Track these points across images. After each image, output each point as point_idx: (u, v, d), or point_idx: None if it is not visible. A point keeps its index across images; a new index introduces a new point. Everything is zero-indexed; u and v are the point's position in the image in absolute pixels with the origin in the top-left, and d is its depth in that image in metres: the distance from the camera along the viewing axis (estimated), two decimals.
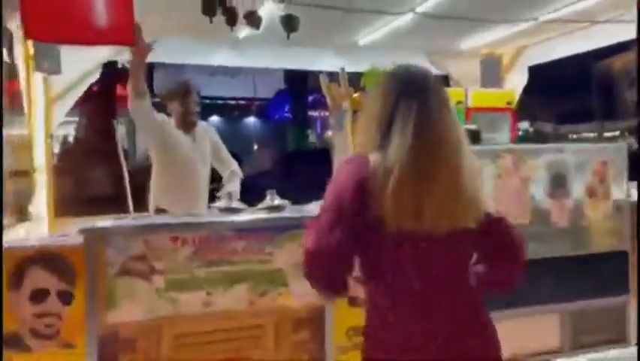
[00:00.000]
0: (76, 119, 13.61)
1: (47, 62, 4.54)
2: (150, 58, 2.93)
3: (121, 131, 27.19)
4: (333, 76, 3.46)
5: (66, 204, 5.19)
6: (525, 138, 16.46)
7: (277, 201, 3.03)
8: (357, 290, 2.84)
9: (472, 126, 3.75)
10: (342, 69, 3.34)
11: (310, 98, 18.92)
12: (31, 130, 4.69)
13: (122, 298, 2.47)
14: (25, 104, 4.60)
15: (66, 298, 2.42)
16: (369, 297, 1.52)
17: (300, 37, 3.92)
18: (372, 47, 5.88)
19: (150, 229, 2.52)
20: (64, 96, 4.88)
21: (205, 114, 5.76)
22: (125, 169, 4.04)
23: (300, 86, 18.27)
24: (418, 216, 1.37)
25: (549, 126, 21.06)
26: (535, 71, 6.42)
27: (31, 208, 4.35)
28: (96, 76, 5.03)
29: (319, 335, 2.82)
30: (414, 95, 1.42)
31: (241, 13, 3.16)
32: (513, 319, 3.25)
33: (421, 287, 1.44)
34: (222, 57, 6.04)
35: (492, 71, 6.39)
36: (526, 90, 6.53)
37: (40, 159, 4.73)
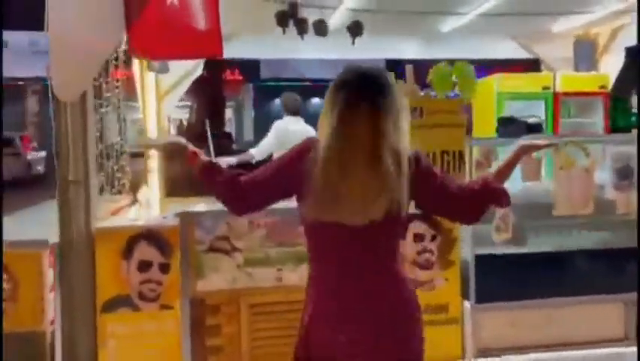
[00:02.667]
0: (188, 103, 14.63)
1: (158, 63, 5.19)
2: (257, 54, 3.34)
3: (229, 115, 28.68)
4: (420, 64, 3.57)
5: (177, 186, 5.86)
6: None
7: None
8: (416, 273, 3.12)
9: (532, 119, 3.80)
10: (410, 66, 3.57)
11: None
12: (145, 120, 5.41)
13: (209, 270, 2.96)
14: (139, 97, 5.31)
15: (165, 268, 2.95)
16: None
17: (385, 26, 4.14)
18: (458, 34, 5.96)
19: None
20: (171, 92, 5.52)
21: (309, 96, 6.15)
22: (212, 153, 4.55)
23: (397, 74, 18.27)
24: (337, 203, 1.51)
25: None
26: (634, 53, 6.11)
27: (144, 189, 5.03)
28: (198, 72, 5.61)
29: None
30: (356, 93, 1.56)
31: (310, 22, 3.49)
32: (578, 306, 3.38)
33: (339, 269, 1.61)
34: (314, 50, 6.42)
35: (586, 54, 6.20)
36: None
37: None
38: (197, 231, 2.94)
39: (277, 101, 25.01)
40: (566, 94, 5.84)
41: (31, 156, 15.96)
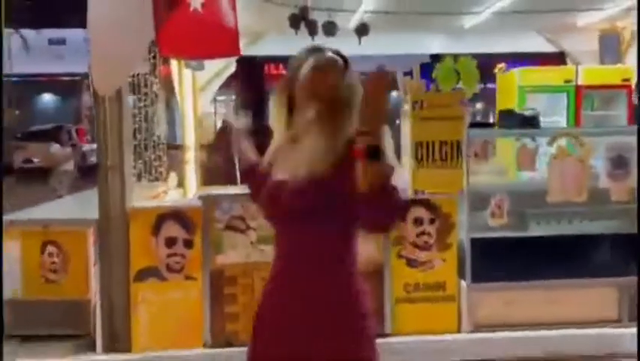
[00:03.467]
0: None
1: (194, 61, 5.62)
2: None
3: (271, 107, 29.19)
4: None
5: (211, 175, 6.29)
6: None
7: None
8: (415, 253, 3.42)
9: (528, 112, 4.00)
10: (417, 67, 3.83)
11: None
12: (182, 114, 5.88)
13: (227, 246, 3.35)
14: (177, 93, 5.77)
15: (189, 244, 3.36)
16: None
17: (407, 22, 4.39)
18: (479, 29, 6.12)
19: (245, 196, 3.34)
20: (207, 87, 5.97)
21: None
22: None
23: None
24: (282, 193, 1.51)
25: None
26: None
27: (175, 177, 5.48)
28: (232, 69, 6.03)
29: (379, 287, 3.46)
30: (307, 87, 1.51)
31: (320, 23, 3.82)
32: (571, 289, 3.59)
33: (291, 258, 1.60)
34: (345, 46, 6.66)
35: (611, 47, 6.24)
36: None
37: (190, 138, 5.90)
38: (216, 211, 3.34)
39: None
40: (589, 87, 5.92)
41: (85, 147, 16.95)
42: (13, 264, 3.92)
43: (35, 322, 3.84)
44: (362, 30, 4.00)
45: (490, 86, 6.92)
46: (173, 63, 5.59)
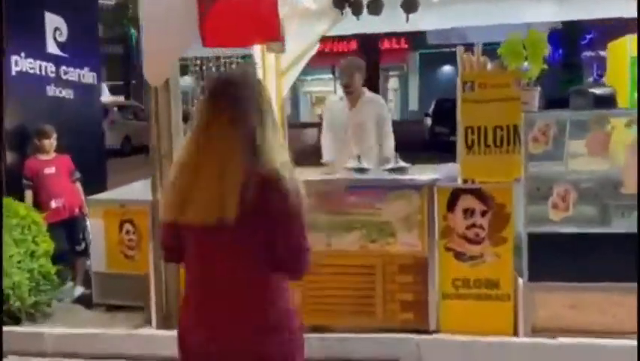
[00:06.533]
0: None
1: (274, 44, 5.68)
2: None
3: (392, 85, 28.71)
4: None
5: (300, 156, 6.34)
6: None
7: (401, 163, 3.51)
8: (465, 247, 3.20)
9: (602, 90, 3.44)
10: (478, 43, 3.50)
11: (587, 38, 17.02)
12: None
13: None
14: (261, 76, 5.88)
15: None
16: None
17: None
18: None
19: None
20: (289, 70, 5.99)
21: None
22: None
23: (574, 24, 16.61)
24: (186, 209, 1.51)
25: None
26: None
27: None
28: (314, 50, 5.97)
29: (423, 280, 3.28)
30: (215, 99, 1.56)
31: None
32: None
33: (203, 279, 1.57)
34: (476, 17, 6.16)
35: None
36: None
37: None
38: None
39: (445, 68, 24.42)
40: None
41: None
42: (99, 240, 4.34)
43: (117, 293, 4.22)
44: (409, 6, 3.73)
45: None
46: (256, 47, 5.69)
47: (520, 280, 3.23)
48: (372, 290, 3.31)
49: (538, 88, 3.43)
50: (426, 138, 16.43)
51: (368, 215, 3.28)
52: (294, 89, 25.86)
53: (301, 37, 5.80)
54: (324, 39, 5.66)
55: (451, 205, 3.25)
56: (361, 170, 3.54)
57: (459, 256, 3.27)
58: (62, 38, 5.30)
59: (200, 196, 1.50)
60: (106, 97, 16.52)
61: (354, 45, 21.63)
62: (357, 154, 3.61)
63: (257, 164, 1.50)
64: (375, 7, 3.75)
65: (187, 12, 3.20)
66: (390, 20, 5.70)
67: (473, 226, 3.23)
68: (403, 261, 3.28)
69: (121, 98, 21.90)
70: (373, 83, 14.43)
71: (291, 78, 6.14)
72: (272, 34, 3.35)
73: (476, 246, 3.24)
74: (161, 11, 3.27)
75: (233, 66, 5.66)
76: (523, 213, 3.17)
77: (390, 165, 3.52)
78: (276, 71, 6.00)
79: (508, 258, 3.23)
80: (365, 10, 3.89)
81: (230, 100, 1.55)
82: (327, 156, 4.31)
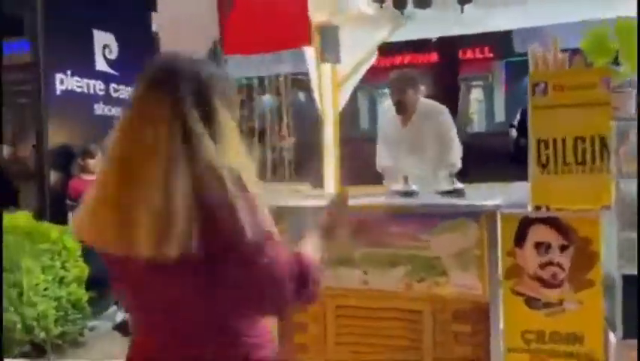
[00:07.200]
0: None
1: (328, 54, 5.25)
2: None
3: (476, 96, 27.54)
4: None
5: (354, 175, 5.85)
6: None
7: (457, 185, 2.90)
8: (538, 291, 2.56)
9: None
10: (555, 39, 2.84)
11: None
12: (322, 111, 5.54)
13: None
14: (315, 88, 5.46)
15: None
16: None
17: None
18: None
19: (315, 210, 2.83)
20: (347, 81, 5.50)
21: None
22: None
23: None
24: (117, 239, 1.17)
25: None
26: None
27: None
28: (373, 59, 5.47)
29: (484, 331, 2.64)
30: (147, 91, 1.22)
31: None
32: None
33: (141, 317, 1.29)
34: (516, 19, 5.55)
35: None
36: None
37: (329, 136, 5.54)
38: (285, 224, 2.88)
39: None
40: None
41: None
42: None
43: None
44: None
45: None
46: (310, 58, 5.29)
47: (612, 336, 2.52)
48: (418, 341, 2.71)
49: (634, 90, 2.70)
50: (511, 151, 15.31)
51: (414, 248, 2.69)
52: (373, 102, 25.35)
53: (358, 46, 5.34)
54: (400, 51, 5.22)
55: (519, 238, 2.60)
56: (408, 193, 2.97)
57: (531, 302, 2.60)
58: (112, 55, 5.17)
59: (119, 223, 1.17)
60: None
61: (434, 57, 20.89)
62: (405, 175, 3.05)
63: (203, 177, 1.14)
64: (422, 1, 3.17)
65: (208, 15, 2.84)
66: (460, 22, 5.12)
67: (549, 264, 2.56)
68: (458, 306, 2.66)
69: None
70: (452, 95, 13.67)
71: (349, 90, 5.66)
72: (301, 38, 2.91)
73: (553, 290, 2.56)
74: (178, 14, 2.93)
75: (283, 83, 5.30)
76: (616, 250, 2.47)
77: (445, 187, 2.92)
78: (332, 82, 5.56)
79: (596, 306, 2.52)
80: (411, 6, 3.31)
81: (171, 92, 1.20)
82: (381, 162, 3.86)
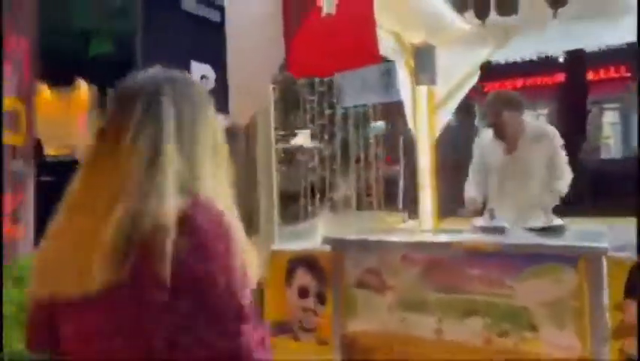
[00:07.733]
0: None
1: (423, 75, 4.94)
2: None
3: (609, 118, 25.30)
4: None
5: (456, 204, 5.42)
6: None
7: (555, 221, 2.44)
8: None
9: None
10: None
11: None
12: (416, 135, 5.21)
13: (360, 307, 2.58)
14: (409, 111, 5.16)
15: (322, 298, 2.72)
16: None
17: None
18: None
19: (381, 244, 2.53)
20: (446, 103, 5.12)
21: None
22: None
23: None
24: (68, 273, 0.98)
25: None
26: None
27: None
28: (474, 80, 5.05)
29: None
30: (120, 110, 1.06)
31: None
32: None
33: None
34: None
35: None
36: None
37: (425, 161, 5.17)
38: (346, 261, 2.61)
39: None
40: None
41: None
42: None
43: None
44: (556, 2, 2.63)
45: None
46: (404, 80, 5.02)
47: None
48: None
49: None
50: None
51: (495, 296, 2.28)
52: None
53: (457, 66, 4.97)
54: (524, 73, 4.82)
55: (631, 289, 2.09)
56: (494, 229, 2.55)
57: None
58: (210, 85, 5.27)
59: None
60: None
61: (560, 77, 19.48)
62: (491, 208, 2.63)
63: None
64: (507, 7, 2.76)
65: (273, 40, 2.72)
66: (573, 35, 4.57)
67: None
68: None
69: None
70: (579, 119, 12.54)
71: (447, 113, 5.27)
72: (372, 56, 2.66)
73: None
74: (246, 43, 2.85)
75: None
76: None
77: (536, 224, 2.46)
78: (428, 105, 5.22)
79: None
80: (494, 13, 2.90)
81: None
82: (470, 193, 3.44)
